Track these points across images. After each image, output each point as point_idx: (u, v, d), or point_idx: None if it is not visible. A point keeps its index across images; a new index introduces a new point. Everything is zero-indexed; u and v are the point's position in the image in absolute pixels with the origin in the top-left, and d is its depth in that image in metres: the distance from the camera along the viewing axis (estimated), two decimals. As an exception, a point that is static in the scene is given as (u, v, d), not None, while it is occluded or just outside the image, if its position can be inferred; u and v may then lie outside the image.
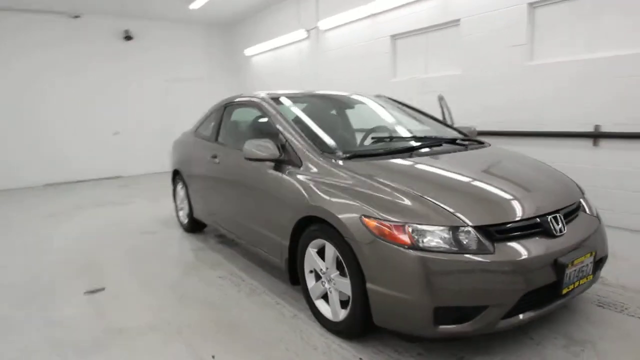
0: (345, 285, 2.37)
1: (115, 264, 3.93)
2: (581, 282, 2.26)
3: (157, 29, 10.07)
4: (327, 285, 2.54)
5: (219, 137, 4.03)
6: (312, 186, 2.58)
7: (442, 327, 2.03)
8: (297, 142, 2.87)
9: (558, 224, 2.26)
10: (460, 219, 2.08)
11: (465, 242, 2.02)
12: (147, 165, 10.21)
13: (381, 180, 2.35)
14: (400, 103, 4.04)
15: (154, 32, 10.03)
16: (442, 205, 2.14)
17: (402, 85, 6.40)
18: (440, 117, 4.21)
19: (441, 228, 2.05)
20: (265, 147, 2.89)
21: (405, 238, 2.06)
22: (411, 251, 2.03)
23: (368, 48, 6.91)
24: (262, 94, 3.59)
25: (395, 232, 2.08)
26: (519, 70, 4.93)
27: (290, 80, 9.02)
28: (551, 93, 4.66)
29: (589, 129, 4.38)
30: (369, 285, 2.16)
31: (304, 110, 3.44)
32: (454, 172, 2.53)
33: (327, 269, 2.51)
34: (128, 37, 9.54)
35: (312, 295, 2.68)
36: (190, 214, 4.63)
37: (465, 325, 2.02)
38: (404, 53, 6.45)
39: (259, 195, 3.11)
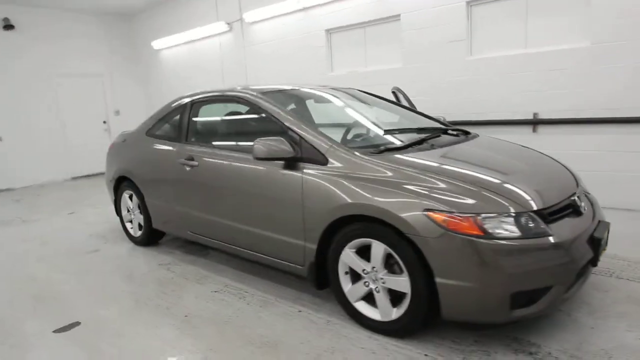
0: (399, 282, 2.30)
1: (73, 291, 3.30)
2: (602, 252, 2.52)
3: (45, 17, 8.66)
4: (372, 286, 2.44)
5: (190, 137, 3.61)
6: (348, 184, 2.45)
7: (516, 311, 2.09)
8: (317, 138, 2.69)
9: (581, 203, 2.48)
10: (522, 205, 2.15)
11: (530, 227, 2.10)
12: (43, 173, 8.81)
13: (429, 172, 2.33)
14: (374, 95, 4.05)
15: (41, 21, 8.61)
16: (500, 193, 2.19)
17: (340, 79, 6.44)
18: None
19: (507, 216, 2.10)
20: (278, 146, 2.67)
21: (476, 229, 2.07)
22: (484, 241, 2.04)
23: (302, 42, 6.82)
24: (247, 89, 3.30)
25: (465, 224, 2.08)
26: (459, 64, 5.29)
27: (211, 76, 8.49)
28: (492, 85, 5.10)
29: (529, 116, 4.90)
30: (438, 279, 2.13)
31: (297, 106, 3.25)
32: (483, 161, 2.62)
33: (372, 268, 2.41)
34: (8, 26, 8.05)
35: (351, 297, 2.56)
36: (148, 225, 4.10)
37: (535, 307, 2.11)
38: (341, 47, 6.50)
39: (267, 198, 2.85)
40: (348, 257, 2.51)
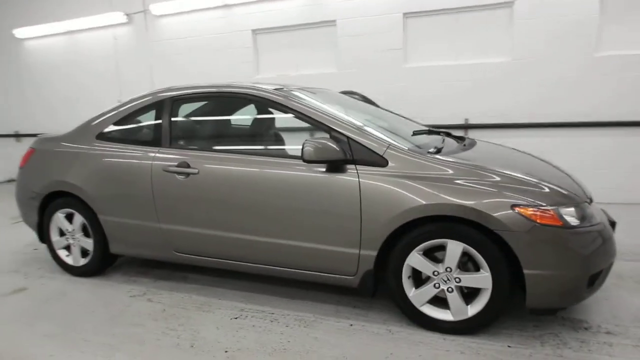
0: (478, 280, 2.32)
1: (30, 345, 2.48)
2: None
3: None
4: (444, 287, 2.42)
5: (177, 140, 3.05)
6: (417, 185, 2.38)
7: (586, 292, 2.31)
8: (371, 139, 2.55)
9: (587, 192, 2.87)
10: (581, 198, 2.39)
11: (588, 215, 2.34)
12: None
13: (489, 170, 2.41)
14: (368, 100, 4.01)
15: None
16: (559, 187, 2.39)
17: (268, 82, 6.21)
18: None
19: (573, 207, 2.31)
20: (328, 147, 2.46)
21: (557, 220, 2.22)
22: (567, 230, 2.21)
23: (225, 41, 6.38)
24: (262, 86, 2.95)
25: (549, 216, 2.22)
26: (396, 71, 5.60)
27: (101, 75, 7.31)
28: (427, 92, 5.52)
29: (461, 121, 5.45)
30: (527, 271, 2.22)
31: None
32: (514, 161, 2.82)
33: (446, 269, 2.39)
34: None
35: (416, 302, 2.48)
36: (102, 249, 3.33)
37: (594, 288, 2.37)
38: (269, 49, 6.28)
39: (308, 206, 2.58)
40: (416, 260, 2.44)
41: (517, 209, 2.22)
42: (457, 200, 2.29)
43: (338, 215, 2.53)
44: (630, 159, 4.88)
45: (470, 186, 2.33)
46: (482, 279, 2.33)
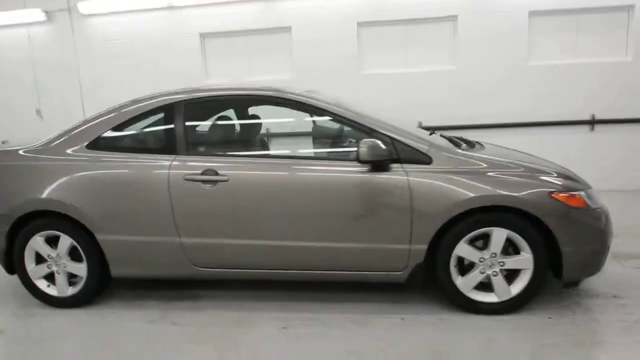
0: (521, 261, 2.58)
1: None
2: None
3: None
4: (489, 272, 2.63)
5: (196, 146, 2.83)
6: (463, 179, 2.55)
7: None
8: (413, 138, 2.67)
9: None
10: (587, 184, 2.78)
11: (595, 199, 2.74)
12: None
13: (514, 163, 2.70)
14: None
15: None
16: (570, 174, 2.77)
17: (220, 89, 5.99)
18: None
19: (584, 191, 2.68)
20: (379, 148, 2.53)
21: (582, 202, 2.57)
22: (589, 210, 2.57)
23: (169, 44, 6.01)
24: (285, 89, 2.90)
25: (575, 199, 2.56)
26: (352, 78, 5.82)
27: (11, 79, 6.33)
28: (382, 98, 5.81)
29: (415, 124, 5.84)
30: (564, 248, 2.52)
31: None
32: (524, 157, 3.12)
33: (492, 254, 2.60)
34: None
35: (463, 289, 2.65)
36: (100, 274, 2.93)
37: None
38: (219, 53, 6.07)
39: (358, 206, 2.61)
40: (464, 249, 2.62)
41: (553, 195, 2.53)
42: (503, 191, 2.53)
43: (388, 213, 2.61)
44: (560, 154, 5.71)
45: (507, 177, 2.58)
46: (525, 260, 2.59)
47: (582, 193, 2.62)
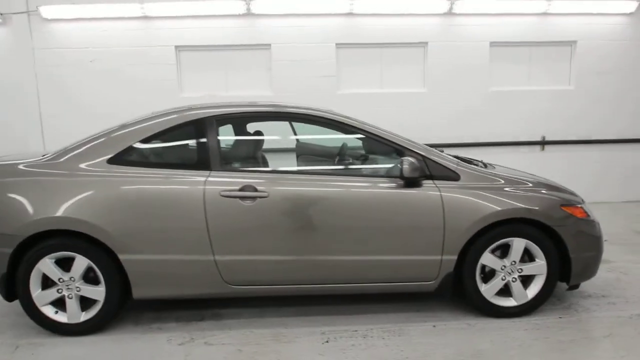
0: (537, 267, 2.87)
1: None
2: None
3: None
4: (508, 278, 2.88)
5: (230, 162, 2.79)
6: (488, 194, 2.81)
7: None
8: (442, 157, 2.88)
9: None
10: (581, 198, 3.17)
11: (589, 210, 3.14)
12: None
13: (529, 179, 3.02)
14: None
15: None
16: (569, 189, 3.14)
17: (194, 102, 5.85)
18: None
19: (583, 204, 3.07)
20: (418, 165, 2.71)
21: (584, 214, 2.94)
22: (590, 221, 2.95)
23: (141, 56, 5.78)
24: (311, 107, 2.99)
25: (580, 211, 2.92)
26: (330, 97, 5.99)
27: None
28: (358, 116, 6.04)
29: (389, 142, 6.13)
30: (573, 255, 2.85)
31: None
32: (526, 174, 3.43)
33: (512, 262, 2.86)
34: None
35: (487, 295, 2.89)
36: (120, 296, 2.77)
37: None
38: (195, 67, 5.95)
39: (395, 220, 2.76)
40: (488, 258, 2.86)
41: (563, 207, 2.87)
42: (524, 205, 2.82)
43: (422, 226, 2.79)
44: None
45: (523, 192, 2.89)
46: (540, 266, 2.89)
47: (584, 205, 3.00)
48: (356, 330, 2.82)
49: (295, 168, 2.91)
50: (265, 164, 3.00)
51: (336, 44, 5.93)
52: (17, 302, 2.80)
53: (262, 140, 3.19)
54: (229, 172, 2.81)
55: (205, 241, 2.73)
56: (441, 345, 2.62)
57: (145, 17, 5.67)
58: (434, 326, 2.86)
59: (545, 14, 5.91)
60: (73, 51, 5.70)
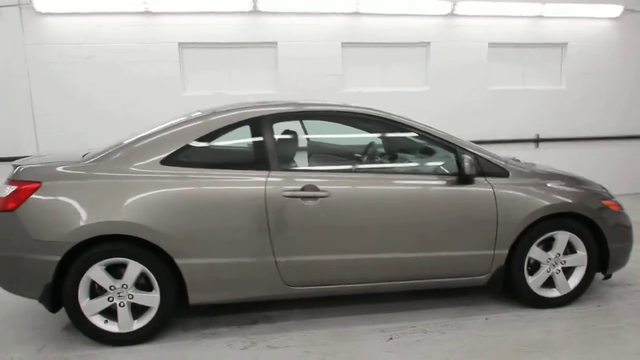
0: (578, 259, 3.02)
1: None
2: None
3: None
4: (552, 270, 3.01)
5: (288, 162, 2.75)
6: (536, 190, 2.93)
7: (628, 256, 3.29)
8: (492, 155, 2.96)
9: None
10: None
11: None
12: None
13: (566, 175, 3.17)
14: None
15: None
16: (600, 184, 3.31)
17: (199, 101, 5.68)
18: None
19: (615, 198, 3.25)
20: (474, 163, 2.79)
21: (618, 207, 3.12)
22: (623, 213, 3.13)
23: (142, 53, 5.55)
24: (363, 106, 3.02)
25: (614, 204, 3.10)
26: (335, 96, 5.98)
27: None
28: (362, 114, 6.10)
29: (394, 140, 6.22)
30: (611, 246, 3.02)
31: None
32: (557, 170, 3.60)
33: (557, 255, 3.00)
34: None
35: (534, 287, 3.01)
36: (174, 302, 2.67)
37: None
38: (199, 65, 5.79)
39: (452, 217, 2.82)
40: (535, 251, 2.98)
41: (602, 201, 3.03)
42: (570, 200, 2.95)
43: (477, 222, 2.87)
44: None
45: (566, 188, 3.03)
46: (581, 257, 3.04)
47: (616, 199, 3.18)
48: (414, 326, 2.86)
49: (353, 167, 2.91)
50: (323, 163, 2.98)
51: (342, 43, 5.94)
52: (44, 312, 2.66)
53: (318, 139, 3.17)
54: (288, 171, 2.77)
55: (267, 242, 2.69)
56: (501, 337, 2.71)
57: (147, 13, 5.45)
58: (487, 319, 2.95)
59: (539, 16, 6.18)
60: (69, 47, 5.40)
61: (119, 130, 5.55)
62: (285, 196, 2.68)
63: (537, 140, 6.49)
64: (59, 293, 2.64)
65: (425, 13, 5.93)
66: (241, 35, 5.73)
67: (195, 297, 2.71)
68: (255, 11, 5.62)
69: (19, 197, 2.59)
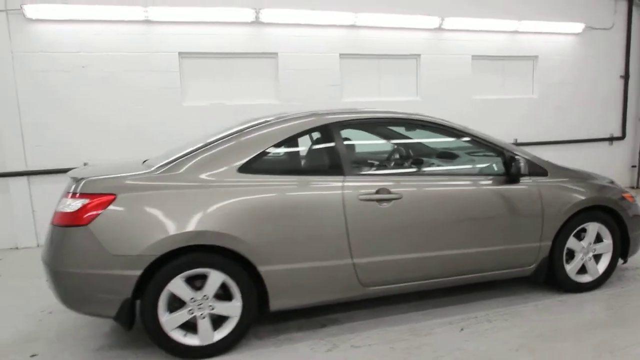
0: (605, 247, 3.39)
1: None
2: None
3: None
4: (585, 258, 3.35)
5: (360, 167, 2.84)
6: (571, 186, 3.26)
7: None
8: (533, 157, 3.25)
9: None
10: (619, 185, 3.79)
11: None
12: None
13: (585, 171, 3.54)
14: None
15: None
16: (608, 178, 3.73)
17: (199, 112, 5.67)
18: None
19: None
20: (525, 164, 3.05)
21: (632, 199, 3.53)
22: (637, 204, 3.55)
23: (141, 62, 5.40)
24: (422, 114, 3.20)
25: (631, 197, 3.51)
26: (334, 105, 6.15)
27: None
28: (360, 123, 6.30)
29: (389, 147, 6.47)
30: (631, 234, 3.41)
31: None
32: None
33: (589, 244, 3.34)
34: None
35: (571, 274, 3.32)
36: (254, 311, 2.67)
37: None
38: (198, 74, 5.71)
39: (505, 214, 3.06)
40: (572, 242, 3.31)
41: (624, 195, 3.43)
42: (600, 194, 3.31)
43: (527, 217, 3.14)
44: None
45: (593, 183, 3.38)
46: (608, 245, 3.41)
47: (632, 193, 3.60)
48: (476, 317, 3.06)
49: (417, 169, 3.08)
50: (389, 167, 3.11)
51: (340, 54, 6.13)
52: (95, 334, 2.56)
53: (385, 145, 3.29)
54: (361, 176, 2.88)
55: (345, 246, 2.77)
56: (557, 320, 2.97)
57: (147, 22, 5.31)
58: (537, 305, 3.22)
59: (515, 32, 6.77)
60: (63, 55, 5.12)
61: (116, 140, 5.39)
62: (361, 200, 2.78)
63: (516, 145, 7.03)
64: (132, 309, 2.55)
65: (416, 27, 6.29)
66: (243, 46, 5.74)
67: (276, 303, 2.72)
68: (257, 22, 5.66)
69: (93, 210, 2.48)
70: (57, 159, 5.23)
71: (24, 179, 5.18)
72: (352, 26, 6.07)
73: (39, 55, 5.07)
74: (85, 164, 5.26)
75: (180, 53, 5.55)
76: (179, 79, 5.59)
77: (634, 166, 7.81)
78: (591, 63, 7.26)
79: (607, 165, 7.34)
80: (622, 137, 7.66)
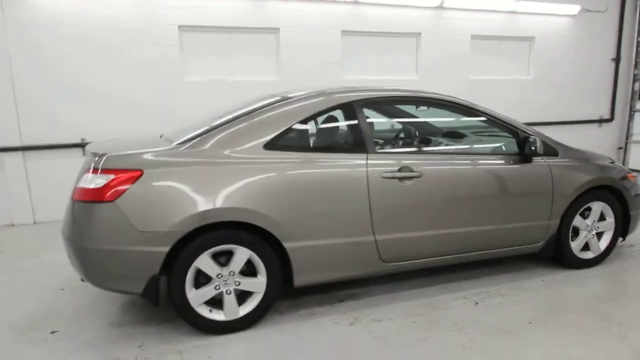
0: (608, 225, 3.54)
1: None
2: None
3: None
4: (589, 236, 3.49)
5: (382, 145, 2.86)
6: (579, 164, 3.37)
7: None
8: (546, 137, 3.32)
9: None
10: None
11: None
12: None
13: (588, 152, 3.65)
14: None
15: None
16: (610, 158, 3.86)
17: (199, 87, 5.56)
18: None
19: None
20: (538, 144, 3.13)
21: (635, 179, 3.67)
22: (638, 184, 3.70)
23: (140, 35, 5.24)
24: (437, 92, 3.21)
25: (632, 176, 3.65)
26: (334, 82, 6.12)
27: None
28: (360, 101, 6.30)
29: (388, 126, 6.50)
30: (632, 212, 3.57)
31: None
32: None
33: (593, 222, 3.48)
34: None
35: (576, 251, 3.47)
36: (278, 286, 2.71)
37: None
38: (198, 48, 5.56)
39: (518, 192, 3.15)
40: (578, 220, 3.44)
41: (627, 175, 3.56)
42: (606, 174, 3.43)
43: (538, 195, 3.24)
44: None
45: (599, 164, 3.50)
46: (610, 223, 3.56)
47: (633, 173, 3.74)
48: (488, 291, 3.18)
49: (437, 148, 3.12)
50: (410, 146, 3.14)
51: (342, 31, 6.06)
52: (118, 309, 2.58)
53: (405, 123, 3.31)
54: (384, 154, 2.91)
55: (367, 222, 2.82)
56: (566, 294, 3.12)
57: (145, -7, 5.14)
58: (542, 280, 3.36)
59: (512, 12, 6.80)
60: (59, 27, 4.92)
61: (115, 115, 5.25)
62: (384, 177, 2.82)
63: (510, 125, 7.16)
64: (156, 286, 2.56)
65: (418, 4, 6.25)
66: (244, 20, 5.61)
67: (300, 279, 2.77)
68: (259, -5, 5.54)
69: (119, 186, 2.45)
70: (53, 134, 5.09)
71: (19, 154, 5.03)
72: (355, 2, 5.99)
73: (34, 26, 4.85)
74: (82, 140, 5.15)
75: (180, 26, 5.39)
76: (179, 53, 5.45)
77: (620, 148, 8.07)
78: (585, 46, 7.38)
79: (596, 146, 7.51)
80: (611, 119, 7.88)
